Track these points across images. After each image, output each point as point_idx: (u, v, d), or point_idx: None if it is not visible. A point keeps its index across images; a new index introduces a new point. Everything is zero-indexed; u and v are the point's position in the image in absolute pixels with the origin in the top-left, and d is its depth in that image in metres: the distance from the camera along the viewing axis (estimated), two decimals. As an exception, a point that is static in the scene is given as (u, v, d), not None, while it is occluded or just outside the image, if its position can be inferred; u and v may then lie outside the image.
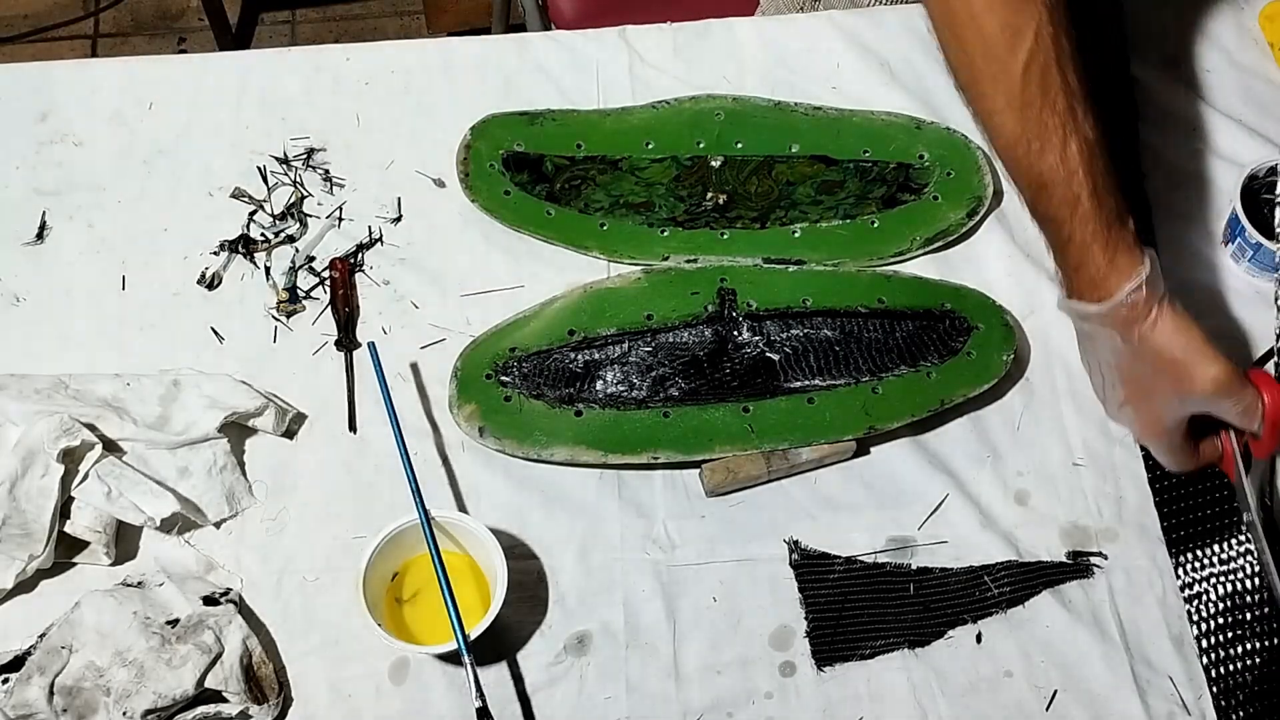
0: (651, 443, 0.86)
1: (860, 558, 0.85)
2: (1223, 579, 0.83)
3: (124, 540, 0.85)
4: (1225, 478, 0.86)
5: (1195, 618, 0.83)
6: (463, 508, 0.87)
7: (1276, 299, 0.88)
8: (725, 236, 0.95)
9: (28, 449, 0.81)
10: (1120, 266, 0.77)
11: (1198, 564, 0.84)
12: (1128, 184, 0.98)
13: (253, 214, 0.97)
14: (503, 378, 0.88)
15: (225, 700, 0.78)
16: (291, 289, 0.94)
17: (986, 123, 0.78)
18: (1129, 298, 0.76)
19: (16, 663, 0.78)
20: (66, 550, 0.83)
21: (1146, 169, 1.00)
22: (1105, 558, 0.86)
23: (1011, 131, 0.76)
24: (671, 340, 0.89)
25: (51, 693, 0.76)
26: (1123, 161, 0.99)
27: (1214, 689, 0.81)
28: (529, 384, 0.88)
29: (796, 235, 0.95)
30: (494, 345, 0.90)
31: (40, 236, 0.96)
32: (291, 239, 0.96)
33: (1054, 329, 0.93)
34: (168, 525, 0.83)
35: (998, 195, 0.98)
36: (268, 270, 0.95)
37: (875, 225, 0.95)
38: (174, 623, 0.79)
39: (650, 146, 0.97)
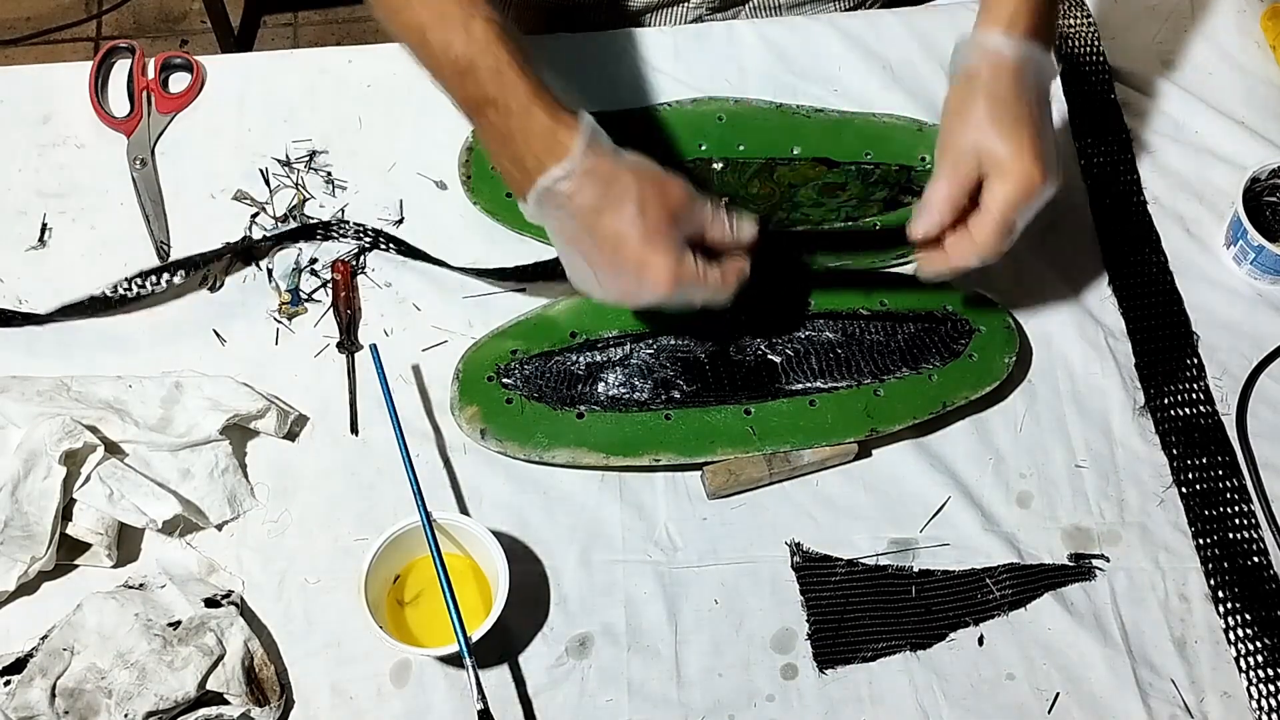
0: (653, 445, 0.86)
1: (862, 560, 0.85)
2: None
3: (126, 542, 0.85)
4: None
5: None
6: (464, 510, 0.87)
7: None
8: (727, 239, 0.95)
9: (30, 451, 0.82)
10: (567, 121, 0.75)
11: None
12: (1124, 193, 0.99)
13: (255, 216, 0.97)
14: (504, 380, 0.88)
15: (227, 702, 0.78)
16: (294, 291, 0.94)
17: (394, 25, 0.78)
18: (591, 141, 0.75)
19: (18, 664, 0.78)
20: (68, 552, 0.83)
21: (1147, 172, 1.00)
22: (1107, 560, 0.86)
23: (414, 25, 0.76)
24: (673, 342, 0.89)
25: (53, 695, 0.76)
26: (1119, 172, 1.00)
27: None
28: (531, 386, 0.88)
29: (798, 237, 0.95)
30: (496, 347, 0.90)
31: (42, 239, 0.96)
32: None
33: (1056, 331, 0.93)
34: (169, 527, 0.83)
35: (999, 197, 0.98)
36: (270, 272, 0.95)
37: (877, 227, 0.95)
38: (175, 625, 0.79)
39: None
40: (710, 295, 0.79)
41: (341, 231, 0.95)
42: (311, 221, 0.96)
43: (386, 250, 0.95)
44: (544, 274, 0.92)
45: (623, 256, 0.76)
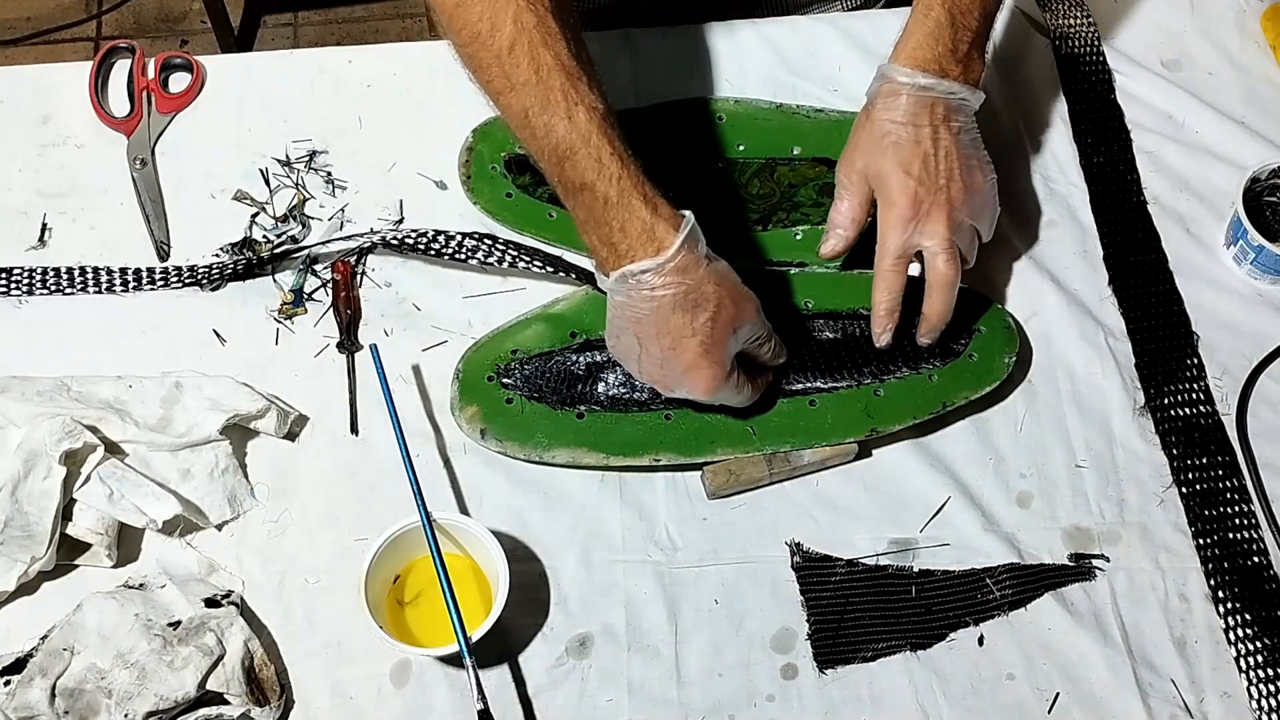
0: (653, 445, 0.86)
1: (862, 560, 0.85)
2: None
3: (126, 542, 0.85)
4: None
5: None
6: (464, 510, 0.87)
7: None
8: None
9: (30, 451, 0.82)
10: (666, 216, 0.77)
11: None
12: (1124, 193, 0.99)
13: (255, 216, 0.97)
14: (504, 380, 0.88)
15: (227, 702, 0.78)
16: (298, 291, 0.94)
17: (498, 104, 0.80)
18: (688, 242, 0.76)
19: (18, 664, 0.78)
20: (68, 552, 0.83)
21: (1147, 172, 1.00)
22: (1107, 560, 0.86)
23: (518, 108, 0.78)
24: (673, 342, 0.89)
25: (53, 695, 0.76)
26: (1118, 172, 1.00)
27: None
28: (531, 386, 0.88)
29: (798, 238, 0.95)
30: (496, 347, 0.90)
31: (42, 239, 0.96)
32: (295, 241, 0.96)
33: (1056, 331, 0.93)
34: (169, 527, 0.83)
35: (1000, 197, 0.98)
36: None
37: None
38: (176, 625, 0.79)
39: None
40: (737, 402, 0.84)
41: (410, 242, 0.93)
42: (361, 232, 0.95)
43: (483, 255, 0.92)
44: (566, 268, 0.92)
45: (677, 354, 0.79)
